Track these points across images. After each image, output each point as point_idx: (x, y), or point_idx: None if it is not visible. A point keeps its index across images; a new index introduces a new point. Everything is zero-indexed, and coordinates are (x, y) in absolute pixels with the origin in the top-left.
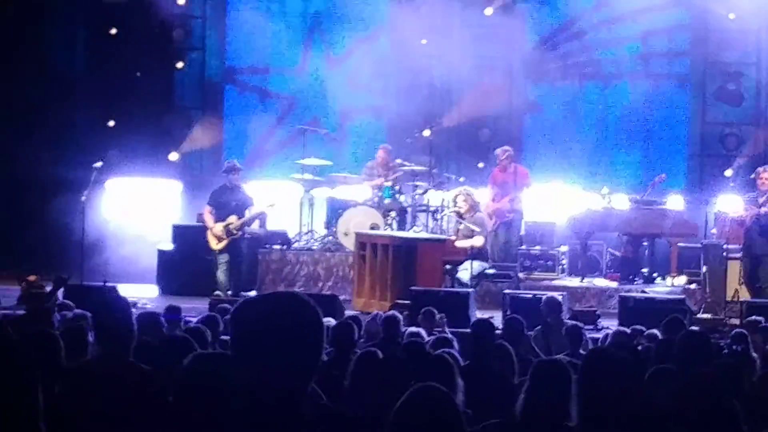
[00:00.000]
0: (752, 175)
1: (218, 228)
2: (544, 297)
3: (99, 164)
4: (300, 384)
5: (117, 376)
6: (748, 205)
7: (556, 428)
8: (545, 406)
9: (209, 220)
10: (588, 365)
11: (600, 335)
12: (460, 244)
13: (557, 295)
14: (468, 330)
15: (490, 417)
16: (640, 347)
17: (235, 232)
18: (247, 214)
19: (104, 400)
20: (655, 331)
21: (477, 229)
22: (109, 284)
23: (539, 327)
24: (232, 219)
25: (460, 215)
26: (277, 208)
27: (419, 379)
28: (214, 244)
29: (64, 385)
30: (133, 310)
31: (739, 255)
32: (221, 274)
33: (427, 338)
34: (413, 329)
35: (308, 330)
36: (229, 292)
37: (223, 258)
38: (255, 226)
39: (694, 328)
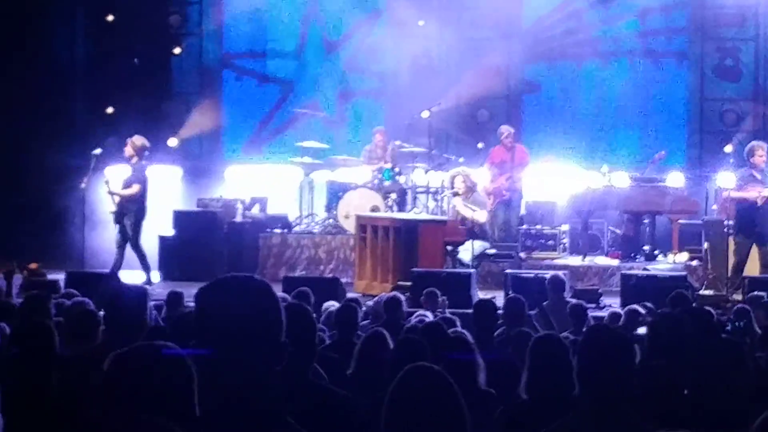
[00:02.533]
0: (746, 151)
1: None
2: (549, 275)
3: (98, 151)
4: (267, 369)
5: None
6: (752, 186)
7: (561, 401)
8: (547, 381)
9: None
10: (587, 342)
11: (604, 314)
12: (463, 210)
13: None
14: (470, 311)
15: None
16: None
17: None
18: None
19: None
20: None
21: (476, 209)
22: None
23: (545, 304)
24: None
25: (457, 196)
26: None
27: (440, 360)
28: None
29: (64, 373)
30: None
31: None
32: None
33: (432, 320)
34: (421, 311)
35: (269, 314)
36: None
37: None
38: (255, 211)
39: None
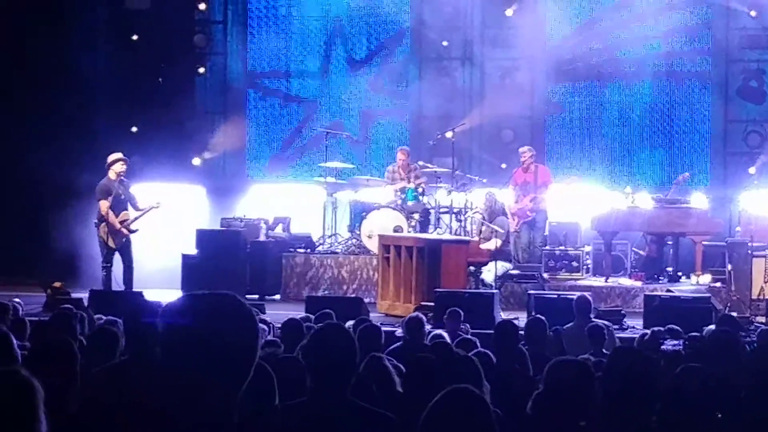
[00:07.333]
0: None
1: (117, 224)
2: (576, 296)
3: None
4: (232, 392)
5: (144, 380)
6: None
7: (568, 425)
8: (558, 403)
9: (113, 216)
10: (613, 363)
11: (625, 335)
12: (483, 246)
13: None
14: (492, 331)
15: (514, 417)
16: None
17: (132, 228)
18: (132, 210)
19: (127, 403)
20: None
21: (500, 230)
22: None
23: (570, 325)
24: (127, 214)
25: (484, 217)
26: (162, 209)
27: (446, 380)
28: (113, 242)
29: (84, 389)
30: None
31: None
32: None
33: (450, 340)
34: (437, 332)
35: (243, 334)
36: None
37: (116, 256)
38: (279, 230)
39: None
